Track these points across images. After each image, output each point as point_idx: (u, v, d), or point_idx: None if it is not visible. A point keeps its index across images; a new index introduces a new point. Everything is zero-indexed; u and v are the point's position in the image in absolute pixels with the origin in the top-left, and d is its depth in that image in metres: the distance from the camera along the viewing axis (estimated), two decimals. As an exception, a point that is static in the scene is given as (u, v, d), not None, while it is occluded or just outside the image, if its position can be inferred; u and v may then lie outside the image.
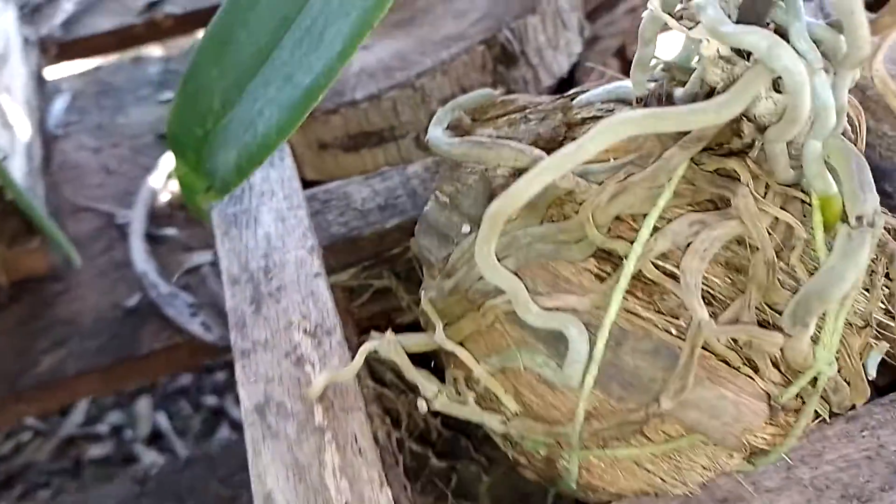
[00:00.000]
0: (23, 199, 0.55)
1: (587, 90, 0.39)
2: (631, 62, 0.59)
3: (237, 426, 0.92)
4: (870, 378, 0.35)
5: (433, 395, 0.33)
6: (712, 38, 0.26)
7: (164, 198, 0.74)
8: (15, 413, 0.58)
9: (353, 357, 0.36)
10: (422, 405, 0.33)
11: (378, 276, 0.48)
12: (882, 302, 0.33)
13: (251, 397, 0.34)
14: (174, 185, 0.75)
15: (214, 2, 0.87)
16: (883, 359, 0.34)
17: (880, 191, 0.49)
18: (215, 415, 0.96)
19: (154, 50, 1.07)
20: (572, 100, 0.39)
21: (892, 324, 0.33)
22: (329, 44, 0.29)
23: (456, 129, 0.40)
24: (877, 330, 0.33)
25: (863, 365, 0.33)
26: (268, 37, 0.34)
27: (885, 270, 0.32)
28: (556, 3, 0.52)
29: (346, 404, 0.33)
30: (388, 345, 0.33)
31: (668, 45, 0.35)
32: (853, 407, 0.34)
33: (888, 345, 0.34)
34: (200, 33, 0.96)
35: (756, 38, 0.25)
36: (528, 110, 0.39)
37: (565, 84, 0.55)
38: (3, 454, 0.91)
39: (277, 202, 0.42)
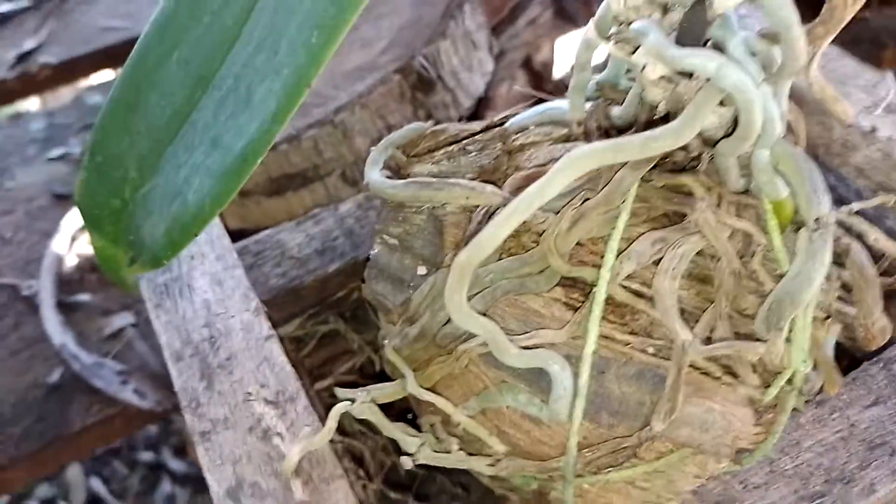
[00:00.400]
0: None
1: (515, 114, 0.39)
2: (537, 72, 0.60)
3: (178, 479, 0.88)
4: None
5: (416, 448, 0.32)
6: (657, 61, 0.26)
7: (71, 262, 0.69)
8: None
9: (321, 419, 0.35)
10: (405, 462, 0.32)
11: (324, 321, 0.47)
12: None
13: (221, 482, 0.31)
14: (81, 247, 0.70)
15: (92, 48, 0.82)
16: (840, 343, 0.35)
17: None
18: (153, 470, 0.91)
19: (32, 104, 1.00)
20: (502, 125, 0.39)
21: (846, 310, 0.34)
22: (260, 104, 0.27)
23: (391, 168, 0.39)
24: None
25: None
26: (184, 98, 0.31)
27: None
28: (464, 25, 0.52)
29: (325, 473, 0.32)
30: (362, 404, 0.32)
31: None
32: (820, 391, 0.35)
33: (840, 327, 0.35)
34: (82, 82, 0.90)
35: (703, 59, 0.25)
36: (464, 141, 0.38)
37: (483, 103, 0.54)
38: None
39: (210, 264, 0.40)
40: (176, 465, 0.90)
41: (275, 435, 0.33)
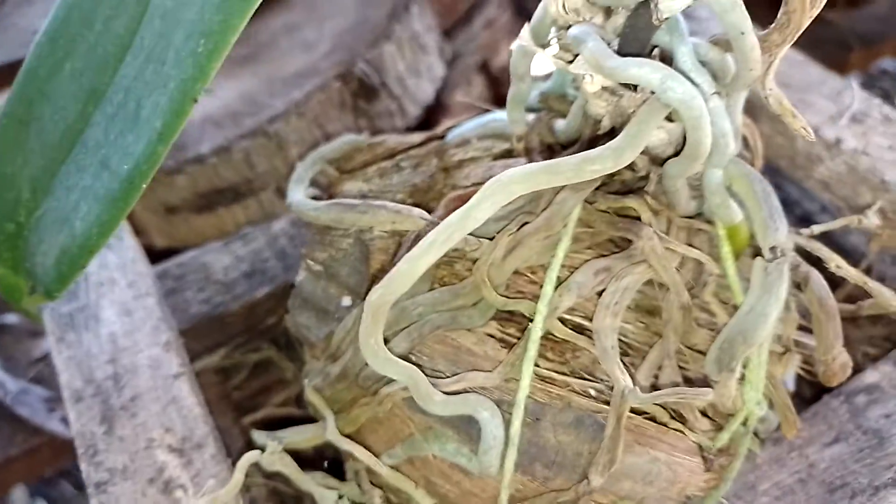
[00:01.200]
0: None
1: (457, 125, 0.36)
2: (495, 77, 0.56)
3: None
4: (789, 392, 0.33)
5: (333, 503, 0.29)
6: (596, 73, 0.23)
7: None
8: None
9: (232, 468, 0.31)
10: (323, 519, 0.29)
11: (255, 349, 0.43)
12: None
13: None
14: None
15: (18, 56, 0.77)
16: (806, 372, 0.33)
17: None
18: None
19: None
20: (443, 137, 0.35)
21: (807, 341, 0.31)
22: (147, 121, 0.24)
23: (320, 185, 0.35)
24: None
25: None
26: (76, 113, 0.28)
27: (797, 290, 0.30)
28: (411, 27, 0.49)
29: (232, 533, 0.28)
30: (272, 454, 0.28)
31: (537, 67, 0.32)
32: (778, 428, 0.32)
33: (799, 359, 0.32)
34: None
35: (646, 71, 0.22)
36: (399, 156, 0.35)
37: (437, 111, 0.51)
38: None
39: (120, 292, 0.36)
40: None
41: (177, 487, 0.29)
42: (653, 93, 0.23)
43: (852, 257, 0.43)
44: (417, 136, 0.36)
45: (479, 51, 0.61)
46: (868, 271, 0.42)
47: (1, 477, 0.55)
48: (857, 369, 0.35)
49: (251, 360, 0.43)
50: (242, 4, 0.21)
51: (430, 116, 0.51)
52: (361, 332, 0.24)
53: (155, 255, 0.47)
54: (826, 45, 0.75)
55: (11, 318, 0.63)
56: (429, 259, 0.22)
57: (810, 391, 0.40)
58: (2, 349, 0.61)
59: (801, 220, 0.49)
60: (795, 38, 0.24)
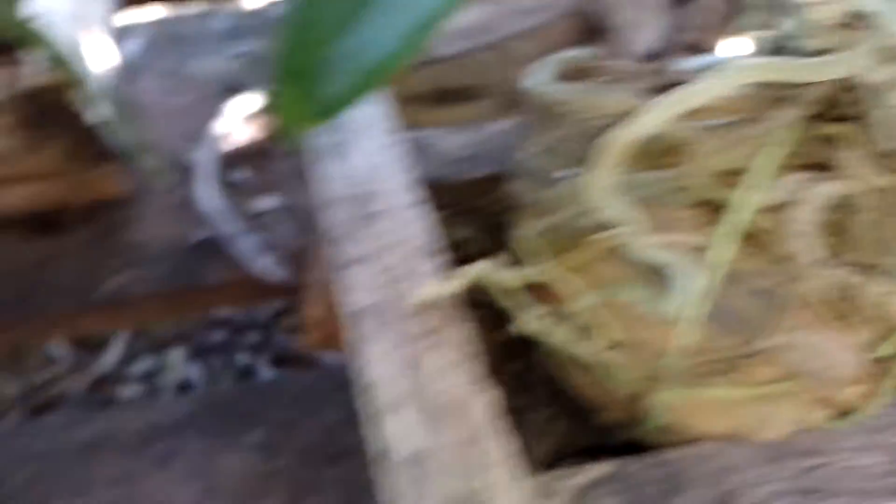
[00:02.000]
0: (114, 121, 0.56)
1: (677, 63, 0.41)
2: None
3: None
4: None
5: (530, 317, 0.35)
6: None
7: (233, 142, 0.76)
8: (82, 327, 0.59)
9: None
10: (513, 329, 0.35)
11: (455, 225, 0.49)
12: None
13: (353, 303, 0.35)
14: (244, 131, 0.77)
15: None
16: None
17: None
18: (245, 375, 0.96)
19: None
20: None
21: None
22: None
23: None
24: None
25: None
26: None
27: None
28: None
29: (449, 315, 0.34)
30: (487, 268, 0.35)
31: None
32: None
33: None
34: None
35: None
36: (623, 73, 0.40)
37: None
38: (39, 384, 0.92)
39: (377, 136, 0.43)
40: (266, 374, 0.94)
41: (404, 281, 0.36)
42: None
43: None
44: (644, 66, 0.42)
45: (694, 32, 0.65)
46: None
47: (207, 297, 0.64)
48: None
49: (451, 236, 0.49)
50: None
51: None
52: (595, 169, 0.30)
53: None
54: None
55: (239, 175, 0.73)
56: (671, 112, 0.28)
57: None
58: (227, 198, 0.72)
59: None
60: None
